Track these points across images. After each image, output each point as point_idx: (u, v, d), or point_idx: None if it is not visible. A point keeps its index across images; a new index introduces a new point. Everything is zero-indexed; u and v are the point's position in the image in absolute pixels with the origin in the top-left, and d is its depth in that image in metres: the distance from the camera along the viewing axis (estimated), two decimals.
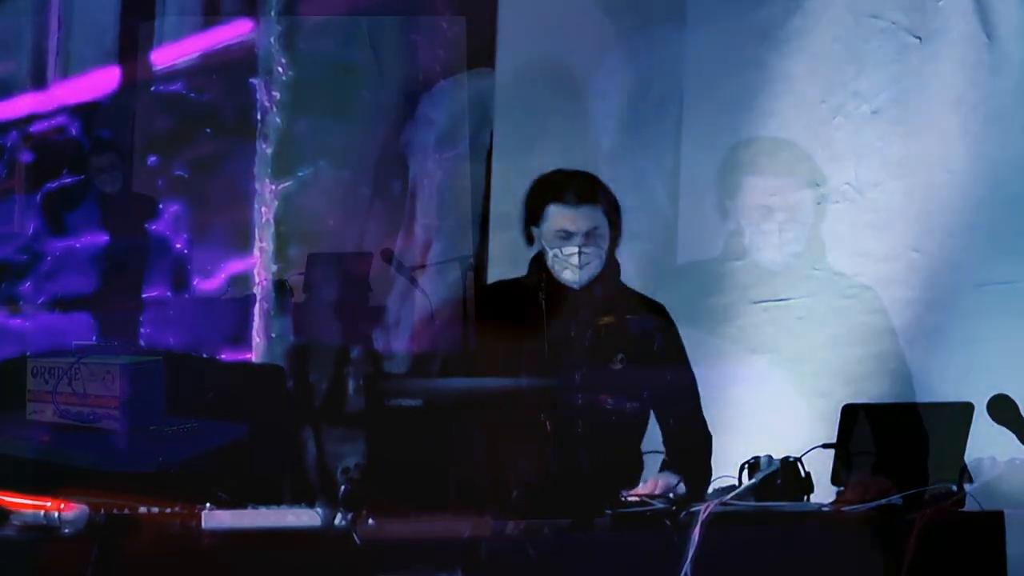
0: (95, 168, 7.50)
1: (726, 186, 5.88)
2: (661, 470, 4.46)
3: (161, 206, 7.57)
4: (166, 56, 7.81)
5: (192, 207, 7.62)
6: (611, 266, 4.64)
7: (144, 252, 7.48)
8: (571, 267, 4.55)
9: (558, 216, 4.57)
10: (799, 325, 5.68)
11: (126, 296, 7.35)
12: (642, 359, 4.59)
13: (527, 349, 4.49)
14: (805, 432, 4.33)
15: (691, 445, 4.59)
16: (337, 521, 3.71)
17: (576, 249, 4.54)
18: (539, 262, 4.63)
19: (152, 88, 7.80)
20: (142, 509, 3.74)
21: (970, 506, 4.04)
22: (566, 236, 4.55)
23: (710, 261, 5.90)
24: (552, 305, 4.54)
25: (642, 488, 4.30)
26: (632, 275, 4.77)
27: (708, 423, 4.67)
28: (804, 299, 5.70)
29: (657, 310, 4.71)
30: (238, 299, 7.35)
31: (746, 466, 4.03)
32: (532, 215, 4.63)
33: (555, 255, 4.57)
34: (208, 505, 3.74)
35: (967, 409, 4.17)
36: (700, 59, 6.03)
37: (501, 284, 4.85)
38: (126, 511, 3.72)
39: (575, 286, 4.56)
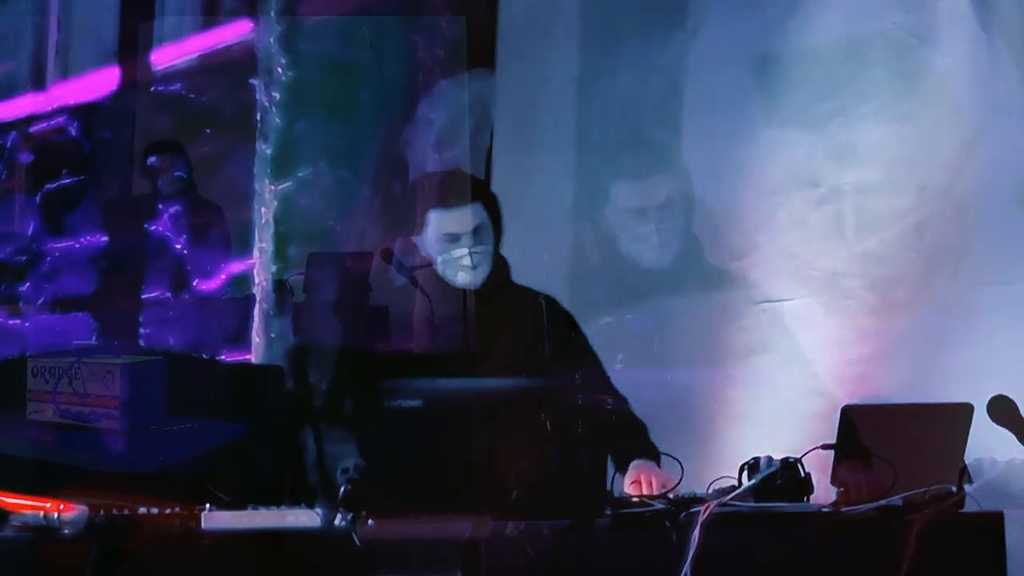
0: (157, 169, 7.47)
1: (599, 191, 5.87)
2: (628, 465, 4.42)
3: (160, 205, 7.56)
4: (166, 56, 7.81)
5: (192, 207, 7.62)
6: (501, 263, 4.59)
7: (143, 252, 7.48)
8: (464, 268, 4.49)
9: (441, 220, 4.51)
10: (799, 325, 5.68)
11: (126, 296, 7.35)
12: (555, 353, 4.54)
13: (453, 355, 4.45)
14: (805, 432, 4.33)
15: (625, 417, 4.56)
16: (337, 522, 3.72)
17: (466, 250, 4.47)
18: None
19: (152, 88, 7.80)
20: (142, 509, 3.74)
21: (970, 506, 4.04)
22: (453, 239, 4.49)
23: (710, 261, 5.90)
24: (449, 309, 4.49)
25: (633, 488, 4.30)
26: (632, 274, 4.77)
27: (706, 423, 4.67)
28: (804, 299, 5.70)
29: (551, 302, 4.67)
30: (238, 299, 7.35)
31: (746, 467, 4.03)
32: (415, 224, 4.57)
33: (444, 260, 4.50)
34: (208, 505, 3.74)
35: (967, 409, 4.17)
36: (700, 59, 6.02)
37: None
38: (126, 511, 3.73)
39: (471, 287, 4.50)
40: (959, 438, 4.12)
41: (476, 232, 4.47)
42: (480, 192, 4.54)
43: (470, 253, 4.46)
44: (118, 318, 7.28)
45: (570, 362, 4.52)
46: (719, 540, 3.77)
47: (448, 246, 4.47)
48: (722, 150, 5.90)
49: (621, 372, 4.82)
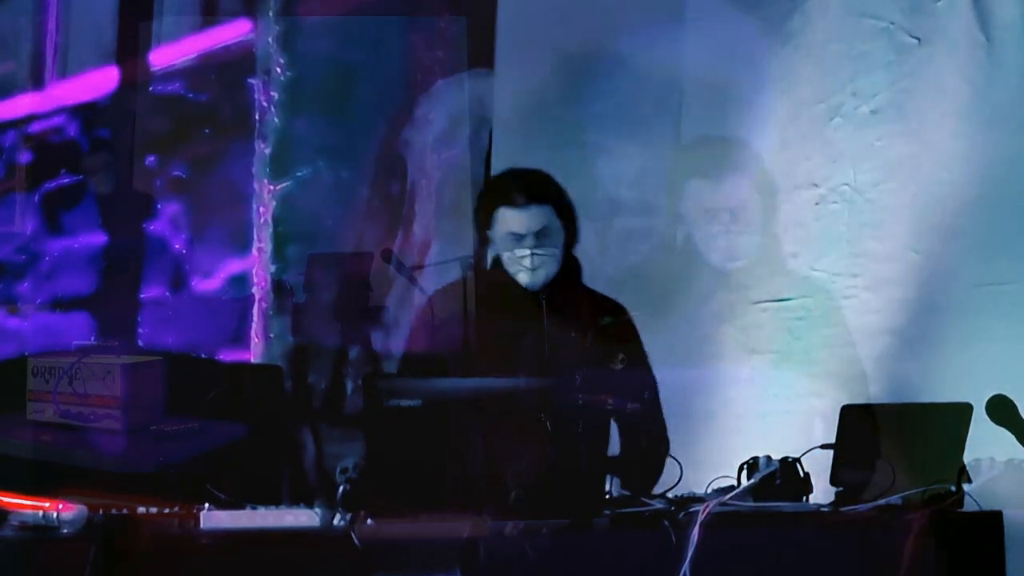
0: (89, 168, 7.50)
1: (674, 189, 5.88)
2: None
3: (159, 205, 7.57)
4: (164, 56, 7.80)
5: (191, 207, 7.62)
6: (569, 266, 4.61)
7: (142, 251, 7.47)
8: (524, 269, 4.53)
9: (507, 218, 4.55)
10: (799, 325, 5.68)
11: (125, 296, 7.35)
12: (605, 362, 4.54)
13: (489, 351, 4.46)
14: (805, 432, 4.33)
15: (646, 447, 4.54)
16: (336, 521, 3.72)
17: (528, 251, 4.52)
18: (500, 263, 4.61)
19: (150, 88, 7.79)
20: (141, 509, 3.74)
21: (969, 506, 4.04)
22: (517, 238, 4.53)
23: (710, 261, 5.90)
24: (513, 306, 4.51)
25: None
26: (632, 274, 4.77)
27: (705, 423, 4.66)
28: (804, 299, 5.70)
29: (618, 311, 4.68)
30: (237, 299, 7.35)
31: (745, 466, 4.03)
32: (484, 219, 4.61)
33: (509, 257, 4.56)
34: (207, 505, 3.74)
35: (966, 409, 4.17)
36: (700, 59, 6.02)
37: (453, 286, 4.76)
38: (125, 511, 3.73)
39: (531, 288, 4.54)
40: (958, 438, 4.12)
41: (541, 234, 4.51)
42: (550, 195, 4.57)
43: (532, 254, 4.50)
44: (117, 318, 7.28)
45: (618, 374, 4.53)
46: (718, 540, 3.77)
47: (512, 244, 4.52)
48: (721, 150, 5.90)
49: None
